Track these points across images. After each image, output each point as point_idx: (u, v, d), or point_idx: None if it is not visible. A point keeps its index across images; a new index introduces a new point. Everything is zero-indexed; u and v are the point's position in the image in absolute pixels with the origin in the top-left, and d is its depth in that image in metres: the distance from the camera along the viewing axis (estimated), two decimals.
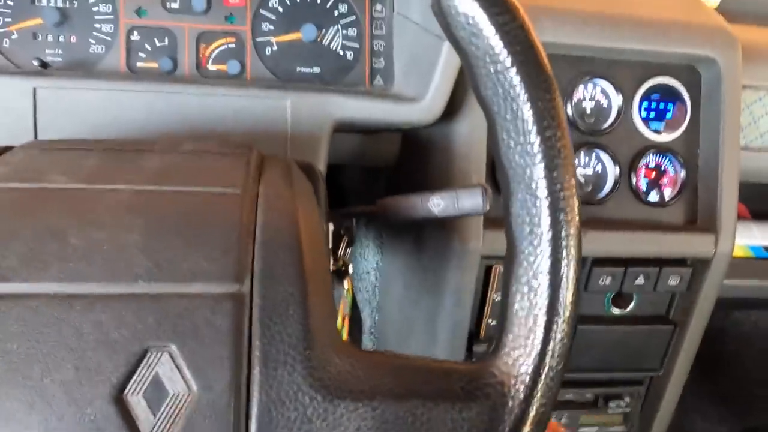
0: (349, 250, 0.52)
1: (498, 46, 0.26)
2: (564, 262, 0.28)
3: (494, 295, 0.67)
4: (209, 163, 0.36)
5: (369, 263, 0.90)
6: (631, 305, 0.71)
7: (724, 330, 1.20)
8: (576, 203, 0.28)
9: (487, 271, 0.66)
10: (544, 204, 0.28)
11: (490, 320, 0.69)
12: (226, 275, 0.29)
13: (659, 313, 0.73)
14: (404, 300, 0.80)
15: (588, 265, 0.66)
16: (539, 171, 0.27)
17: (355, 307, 0.96)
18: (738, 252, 0.87)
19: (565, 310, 0.28)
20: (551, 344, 0.28)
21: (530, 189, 0.28)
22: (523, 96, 0.27)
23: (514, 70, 0.27)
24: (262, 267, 0.30)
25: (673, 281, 0.68)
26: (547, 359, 0.28)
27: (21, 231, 0.29)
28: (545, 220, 0.28)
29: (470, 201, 0.40)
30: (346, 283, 0.54)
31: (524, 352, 0.28)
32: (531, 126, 0.27)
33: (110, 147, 0.37)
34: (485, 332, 0.69)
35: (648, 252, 0.67)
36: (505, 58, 0.27)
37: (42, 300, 0.27)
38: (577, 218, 0.28)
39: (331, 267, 0.49)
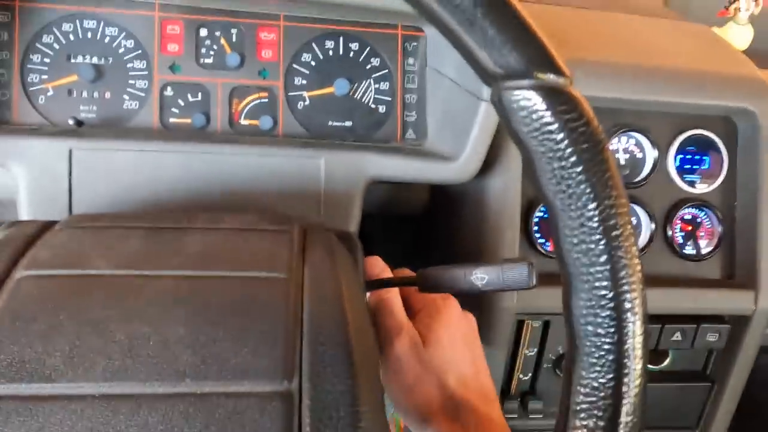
0: None
1: (563, 143, 0.26)
2: (629, 366, 0.27)
3: (526, 351, 0.65)
4: (252, 242, 0.35)
5: None
6: (667, 361, 0.69)
7: (757, 378, 1.17)
8: (643, 306, 0.27)
9: (519, 326, 0.64)
10: (609, 305, 0.26)
11: (521, 375, 0.67)
12: (274, 373, 0.28)
13: (696, 370, 0.70)
14: None
15: None
16: (605, 272, 0.26)
17: None
18: None
19: (629, 417, 0.27)
20: None
21: (595, 289, 0.26)
22: (588, 194, 0.26)
23: (580, 168, 0.26)
24: (310, 363, 0.28)
25: (711, 338, 0.66)
26: None
27: (64, 325, 0.28)
28: (611, 322, 0.26)
29: (516, 276, 0.39)
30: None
31: None
32: (597, 225, 0.26)
33: (151, 226, 0.36)
34: (516, 388, 0.67)
35: (685, 308, 0.65)
36: (569, 155, 0.26)
37: (86, 402, 0.26)
38: (643, 321, 0.27)
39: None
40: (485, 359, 0.49)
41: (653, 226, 0.65)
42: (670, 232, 0.66)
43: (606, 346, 0.27)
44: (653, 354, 0.69)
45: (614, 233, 0.26)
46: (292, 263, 0.33)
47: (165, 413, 0.26)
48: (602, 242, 0.26)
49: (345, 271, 0.35)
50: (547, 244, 0.62)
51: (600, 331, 0.27)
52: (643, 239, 0.65)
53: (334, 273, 0.34)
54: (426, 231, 0.76)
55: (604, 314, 0.26)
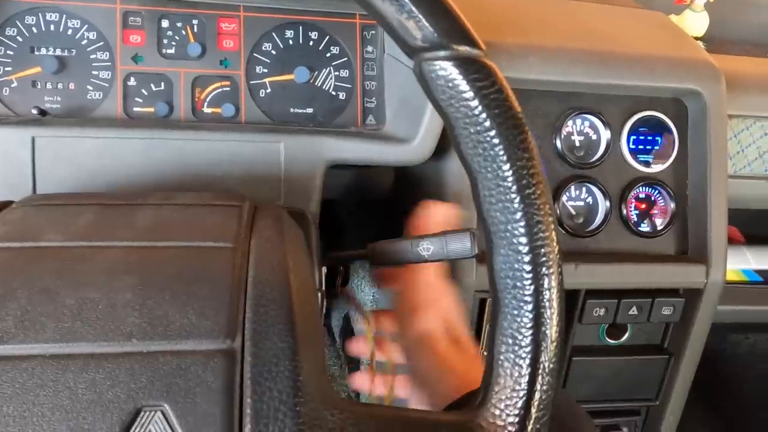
0: (343, 288, 0.53)
1: (477, 109, 0.28)
2: (547, 315, 0.29)
3: (488, 328, 0.67)
4: (202, 216, 0.37)
5: (365, 295, 0.91)
6: (626, 335, 0.72)
7: (722, 353, 1.20)
8: (557, 258, 0.29)
9: (481, 304, 0.66)
10: (525, 259, 0.28)
11: (484, 352, 0.69)
12: (217, 331, 0.29)
13: (654, 343, 0.73)
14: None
15: (581, 297, 0.67)
16: (520, 227, 0.28)
17: (353, 336, 0.96)
18: (732, 276, 0.88)
19: (549, 363, 0.29)
20: (536, 396, 0.29)
21: (512, 244, 0.28)
22: (502, 156, 0.28)
23: (493, 131, 0.28)
24: (253, 322, 0.30)
25: (667, 311, 0.69)
26: (533, 411, 0.29)
27: (16, 292, 0.30)
28: (527, 274, 0.28)
29: (459, 245, 0.41)
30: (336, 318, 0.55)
31: (510, 404, 0.29)
32: (511, 184, 0.28)
33: (105, 202, 0.38)
34: None
35: (640, 283, 0.67)
36: (484, 120, 0.28)
37: (37, 361, 0.28)
38: (558, 272, 0.29)
39: (325, 305, 0.50)
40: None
41: (608, 204, 0.67)
42: (625, 211, 0.68)
43: (525, 298, 0.29)
44: (613, 329, 0.72)
45: (527, 191, 0.28)
46: (239, 234, 0.35)
47: (112, 371, 0.28)
48: (516, 200, 0.28)
49: (292, 242, 0.37)
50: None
51: (518, 284, 0.29)
52: (599, 218, 0.68)
53: (280, 243, 0.35)
54: (392, 214, 0.77)
55: (520, 267, 0.28)
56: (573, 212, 0.68)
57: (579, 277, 0.65)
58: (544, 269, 0.28)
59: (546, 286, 0.29)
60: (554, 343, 0.29)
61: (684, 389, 0.74)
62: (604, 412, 0.75)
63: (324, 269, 0.49)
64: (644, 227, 0.69)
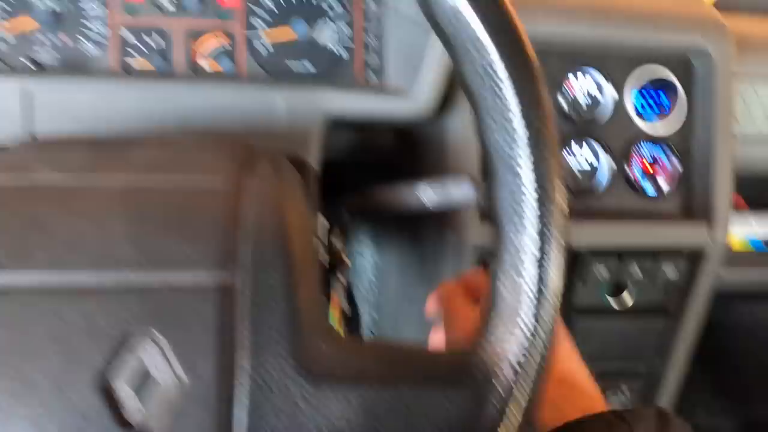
0: (343, 244, 0.52)
1: (478, 26, 0.27)
2: (548, 243, 0.28)
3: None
4: (198, 155, 0.36)
5: (366, 261, 0.90)
6: (628, 297, 0.71)
7: (726, 323, 1.20)
8: (560, 183, 0.28)
9: (483, 264, 0.66)
10: (527, 185, 0.28)
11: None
12: (212, 264, 0.29)
13: (656, 305, 0.72)
14: (401, 295, 0.80)
15: (584, 257, 0.66)
16: (521, 152, 0.27)
17: (354, 305, 0.97)
18: (737, 245, 0.87)
19: (550, 292, 0.28)
20: (537, 326, 0.28)
21: (512, 170, 0.28)
22: (504, 77, 0.27)
23: (495, 52, 0.27)
24: (248, 255, 0.30)
25: (669, 272, 0.68)
26: (534, 341, 0.28)
27: (7, 223, 0.29)
28: (528, 200, 0.28)
29: (460, 192, 0.40)
30: (341, 277, 0.55)
31: (509, 334, 0.28)
32: (513, 106, 0.27)
33: (99, 143, 0.37)
34: None
35: (643, 243, 0.67)
36: (485, 40, 0.27)
37: (27, 291, 0.27)
38: (561, 199, 0.28)
39: (326, 260, 0.49)
40: None
41: (613, 164, 0.67)
42: (629, 171, 0.67)
43: (527, 226, 0.28)
44: (615, 290, 0.71)
45: (530, 112, 0.27)
46: (236, 173, 0.34)
47: (103, 300, 0.28)
48: (518, 122, 0.27)
49: (290, 183, 0.36)
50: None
51: (520, 211, 0.28)
52: (603, 178, 0.67)
53: (277, 182, 0.35)
54: (392, 178, 0.77)
55: (522, 192, 0.28)
56: (577, 171, 0.67)
57: (582, 235, 0.64)
58: (546, 194, 0.28)
59: (549, 211, 0.28)
60: (556, 272, 0.28)
61: (686, 352, 0.74)
62: (605, 374, 0.74)
63: (322, 220, 0.49)
64: (648, 188, 0.68)
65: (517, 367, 0.28)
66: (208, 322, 0.28)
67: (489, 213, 0.30)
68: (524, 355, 0.28)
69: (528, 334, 0.28)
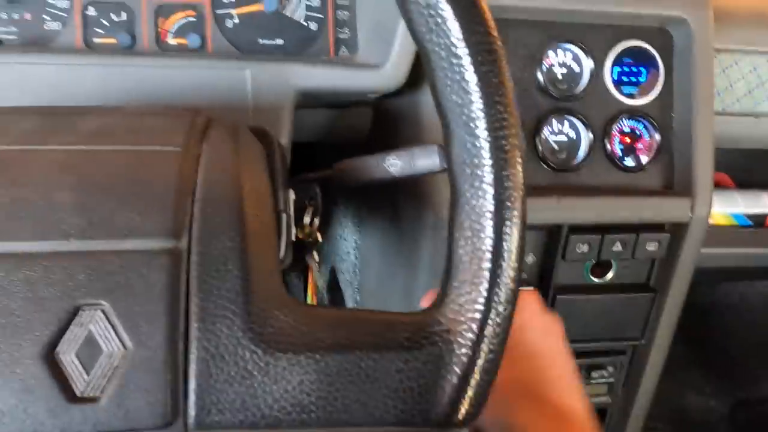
0: (316, 220, 0.51)
1: None
2: (507, 203, 0.27)
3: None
4: (150, 123, 0.35)
5: (349, 243, 0.89)
6: (611, 274, 0.71)
7: (713, 303, 1.20)
8: (517, 142, 0.27)
9: None
10: (483, 143, 0.27)
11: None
12: (162, 231, 0.28)
13: (639, 281, 0.72)
14: (383, 276, 0.79)
15: (565, 233, 0.65)
16: (477, 108, 0.26)
17: (338, 288, 0.96)
18: (721, 220, 0.87)
19: (510, 254, 0.27)
20: (497, 289, 0.27)
21: (468, 128, 0.27)
22: (456, 30, 0.26)
23: (446, 4, 0.26)
24: (200, 223, 0.29)
25: (651, 247, 0.67)
26: (494, 304, 0.27)
27: None
28: (485, 159, 0.27)
29: (427, 160, 0.39)
30: (316, 255, 0.53)
31: (470, 298, 0.27)
32: (466, 61, 0.26)
33: (50, 111, 0.36)
34: None
35: (625, 218, 0.66)
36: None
37: None
38: (518, 156, 0.27)
39: (296, 235, 0.48)
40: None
41: (592, 138, 0.66)
42: (608, 145, 0.66)
43: (483, 186, 0.27)
44: (597, 267, 0.70)
45: (483, 68, 0.26)
46: (189, 140, 0.33)
47: (47, 268, 0.26)
48: (473, 79, 0.26)
49: (247, 152, 0.35)
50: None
51: (477, 171, 0.27)
52: (582, 152, 0.66)
53: (233, 150, 0.34)
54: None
55: (478, 153, 0.27)
56: (555, 147, 0.66)
57: (562, 211, 0.63)
58: (502, 154, 0.27)
59: (506, 172, 0.27)
60: (516, 234, 0.27)
61: (670, 328, 0.73)
62: (589, 352, 0.74)
63: (292, 196, 0.47)
64: (628, 161, 0.67)
65: (478, 332, 0.27)
66: (156, 289, 0.27)
67: (448, 174, 0.29)
68: (485, 320, 0.27)
69: (489, 298, 0.27)
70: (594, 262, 0.69)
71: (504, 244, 0.27)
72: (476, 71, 0.26)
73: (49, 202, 0.28)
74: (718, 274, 1.09)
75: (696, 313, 0.75)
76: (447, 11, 0.25)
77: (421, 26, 0.26)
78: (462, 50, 0.26)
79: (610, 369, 0.75)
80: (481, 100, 0.26)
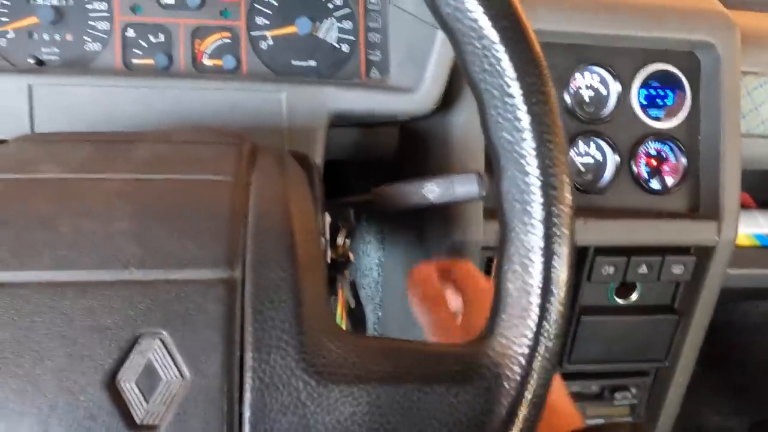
0: (348, 241, 0.52)
1: (483, 21, 0.26)
2: (557, 239, 0.28)
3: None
4: (200, 152, 0.36)
5: (372, 259, 0.90)
6: (635, 295, 0.71)
7: (733, 322, 1.19)
8: (567, 179, 0.27)
9: (488, 262, 0.65)
10: (534, 180, 0.27)
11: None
12: (217, 261, 0.29)
13: (664, 303, 0.72)
14: (406, 294, 0.79)
15: (590, 255, 0.66)
16: (528, 147, 0.27)
17: (359, 304, 0.96)
18: (744, 241, 0.87)
19: (559, 289, 0.28)
20: (546, 324, 0.28)
21: (520, 165, 0.27)
22: (510, 71, 0.26)
23: (501, 45, 0.26)
24: (253, 252, 0.29)
25: (677, 270, 0.67)
26: (543, 339, 0.28)
27: (10, 220, 0.29)
28: (536, 196, 0.27)
29: (466, 187, 0.39)
30: (346, 274, 0.54)
31: (518, 332, 0.28)
32: (519, 101, 0.26)
33: (102, 139, 0.37)
34: None
35: (651, 240, 0.66)
36: (491, 33, 0.26)
37: (33, 288, 0.27)
38: (568, 195, 0.27)
39: (330, 257, 0.49)
40: None
41: (618, 161, 0.66)
42: (635, 167, 0.67)
43: (534, 222, 0.28)
44: (621, 288, 0.70)
45: (536, 109, 0.27)
46: (239, 168, 0.34)
47: (109, 298, 0.27)
48: (525, 117, 0.27)
49: (294, 179, 0.36)
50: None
51: (527, 207, 0.28)
52: (608, 175, 0.67)
53: (281, 178, 0.35)
54: (397, 176, 0.76)
55: (529, 189, 0.27)
56: (582, 168, 0.66)
57: (588, 233, 0.64)
58: (553, 191, 0.27)
59: (556, 208, 0.27)
60: (565, 270, 0.28)
61: (693, 351, 0.73)
62: (612, 373, 0.74)
63: (328, 219, 0.48)
64: (655, 184, 0.68)
65: (527, 367, 0.28)
66: (213, 319, 0.27)
67: (495, 208, 0.30)
68: (534, 354, 0.28)
69: (537, 333, 0.28)
70: (619, 283, 0.69)
71: (553, 279, 0.28)
72: (529, 111, 0.27)
73: (109, 232, 0.29)
74: (739, 295, 1.08)
75: (715, 332, 0.75)
76: (502, 53, 0.26)
77: (475, 66, 0.27)
78: (516, 90, 0.26)
79: (633, 390, 0.75)
80: (533, 140, 0.27)
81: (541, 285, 0.28)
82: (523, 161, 0.27)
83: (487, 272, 0.65)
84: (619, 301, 0.71)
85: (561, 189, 0.28)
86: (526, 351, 0.28)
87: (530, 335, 0.28)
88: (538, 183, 0.27)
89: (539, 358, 0.28)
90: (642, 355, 0.73)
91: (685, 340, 0.72)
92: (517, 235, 0.28)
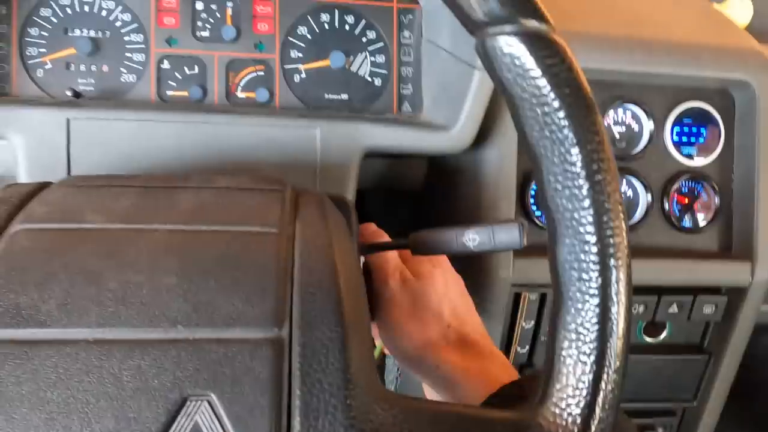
0: None
1: (545, 88, 0.26)
2: (614, 310, 0.27)
3: (523, 323, 0.65)
4: (244, 200, 0.36)
5: None
6: (664, 334, 0.70)
7: (757, 354, 1.17)
8: (626, 250, 0.27)
9: (516, 298, 0.64)
10: (593, 249, 0.27)
11: (519, 348, 0.67)
12: (264, 319, 0.28)
13: (693, 342, 0.71)
14: None
15: None
16: (588, 216, 0.26)
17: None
18: None
19: (615, 360, 0.27)
20: (601, 395, 0.27)
21: (579, 234, 0.27)
22: (571, 139, 0.26)
23: (562, 113, 0.26)
24: (300, 311, 0.29)
25: (708, 310, 0.66)
26: (598, 410, 0.27)
27: (58, 274, 0.29)
28: (594, 265, 0.27)
29: (507, 237, 0.39)
30: None
31: (573, 402, 0.27)
32: (580, 170, 0.26)
33: (145, 184, 0.37)
34: (514, 360, 0.68)
35: (682, 280, 0.65)
36: (552, 100, 0.26)
37: (80, 346, 0.27)
38: (627, 265, 0.27)
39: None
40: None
41: (650, 198, 0.65)
42: (667, 205, 0.66)
43: (591, 291, 0.27)
44: (651, 326, 0.69)
45: (597, 177, 0.26)
46: (283, 219, 0.34)
47: (157, 358, 0.27)
48: (585, 187, 0.26)
49: (336, 227, 0.36)
50: (544, 216, 0.63)
51: (584, 276, 0.27)
52: (640, 212, 0.66)
53: (325, 228, 0.34)
54: (424, 207, 0.76)
55: (587, 258, 0.27)
56: None
57: None
58: (612, 261, 0.27)
59: (614, 278, 0.27)
60: (621, 340, 0.27)
61: (723, 391, 0.72)
62: (639, 412, 0.72)
63: (362, 259, 0.48)
64: (686, 222, 0.67)
65: None
66: (261, 381, 0.27)
67: (549, 272, 0.29)
68: (589, 425, 0.27)
69: (592, 404, 0.27)
70: (648, 322, 0.68)
71: (609, 350, 0.27)
72: (588, 179, 0.26)
73: (156, 287, 0.29)
74: (765, 331, 1.06)
75: (740, 365, 0.74)
76: (564, 120, 0.26)
77: (534, 131, 0.27)
78: (576, 158, 0.26)
79: (660, 430, 0.74)
80: (592, 208, 0.26)
81: (597, 355, 0.27)
82: (582, 230, 0.27)
83: (515, 308, 0.64)
84: (648, 339, 0.69)
85: (621, 258, 0.27)
86: (581, 422, 0.27)
87: (585, 406, 0.27)
88: (597, 253, 0.27)
89: (594, 429, 0.27)
90: (670, 394, 0.71)
91: (714, 381, 0.71)
92: (573, 304, 0.27)
